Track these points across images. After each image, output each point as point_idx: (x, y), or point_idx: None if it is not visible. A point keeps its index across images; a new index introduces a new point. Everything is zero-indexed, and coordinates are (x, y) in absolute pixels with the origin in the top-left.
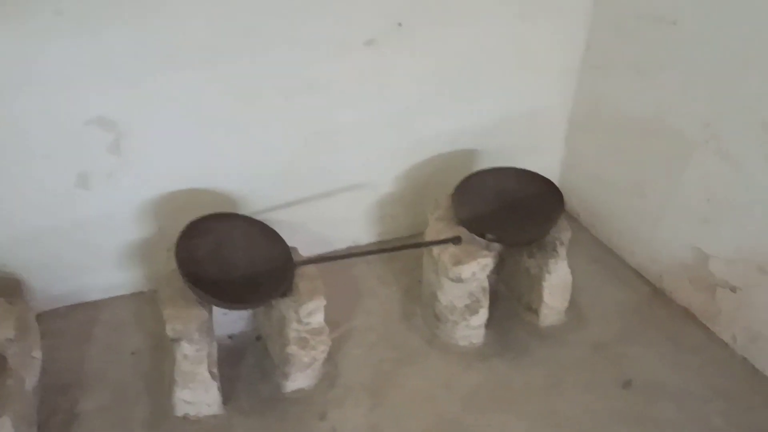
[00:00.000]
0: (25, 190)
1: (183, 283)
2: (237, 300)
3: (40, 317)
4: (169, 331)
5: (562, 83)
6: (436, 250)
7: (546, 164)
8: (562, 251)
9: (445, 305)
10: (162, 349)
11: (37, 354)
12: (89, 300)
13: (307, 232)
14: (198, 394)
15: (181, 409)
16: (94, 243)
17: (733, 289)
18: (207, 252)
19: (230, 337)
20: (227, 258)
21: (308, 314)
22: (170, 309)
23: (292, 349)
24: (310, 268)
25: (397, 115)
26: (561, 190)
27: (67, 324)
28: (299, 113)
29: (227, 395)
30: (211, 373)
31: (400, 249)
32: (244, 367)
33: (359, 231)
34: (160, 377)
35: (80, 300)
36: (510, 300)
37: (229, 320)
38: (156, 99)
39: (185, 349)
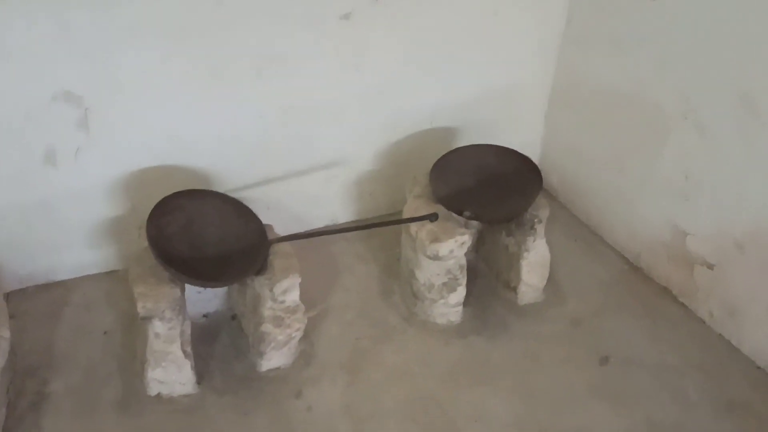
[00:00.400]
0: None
1: (154, 261)
2: (209, 278)
3: (8, 297)
4: (140, 309)
5: (541, 59)
6: (413, 227)
7: (525, 141)
8: (540, 229)
9: (422, 283)
10: (134, 329)
11: (5, 333)
12: (59, 279)
13: (284, 210)
14: (171, 373)
15: (154, 389)
16: (63, 221)
17: (710, 266)
18: (179, 229)
19: (205, 316)
20: (200, 235)
21: (283, 292)
22: (141, 287)
23: (267, 327)
24: (285, 246)
25: (374, 90)
26: (540, 167)
27: (36, 304)
28: (272, 88)
29: (201, 374)
30: (184, 351)
31: (377, 226)
32: (219, 347)
33: (337, 209)
34: (132, 357)
35: (50, 279)
36: (488, 277)
37: (204, 299)
38: (124, 74)
39: (157, 327)
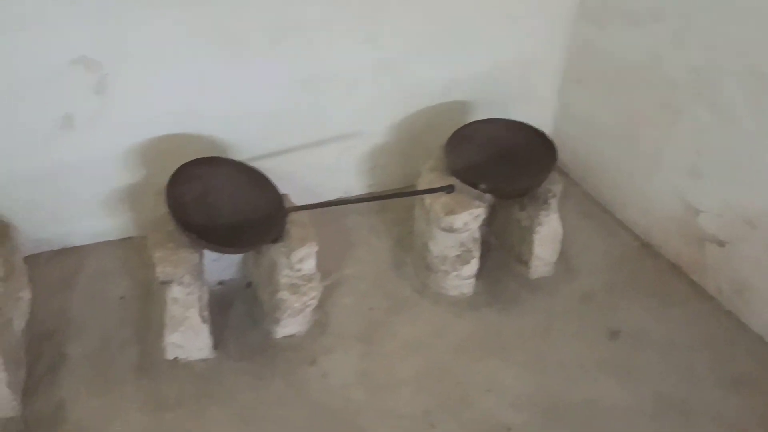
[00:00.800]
0: (11, 132)
1: (173, 228)
2: (228, 244)
3: (26, 261)
4: (160, 273)
5: (555, 32)
6: (428, 199)
7: (538, 116)
8: (553, 203)
9: (436, 255)
10: (150, 296)
11: (25, 294)
12: (75, 245)
13: (297, 181)
14: (188, 337)
15: (171, 353)
16: (79, 187)
17: (721, 243)
18: (197, 196)
19: (220, 283)
20: (218, 202)
21: (300, 260)
22: (160, 252)
23: (283, 294)
24: (302, 215)
25: (388, 62)
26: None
27: (52, 269)
28: (287, 58)
29: (217, 341)
30: (201, 317)
31: (393, 197)
32: (234, 314)
33: (350, 182)
34: (148, 323)
35: (66, 245)
36: (500, 251)
37: (220, 267)
38: (140, 40)
39: (175, 292)
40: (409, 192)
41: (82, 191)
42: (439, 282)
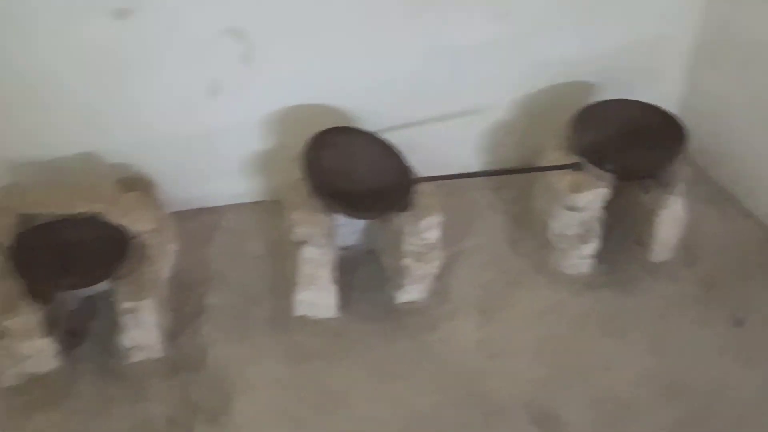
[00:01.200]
0: (162, 97)
1: (308, 192)
2: (360, 209)
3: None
4: (295, 234)
5: (687, 8)
6: (553, 176)
7: (664, 97)
8: (679, 187)
9: (556, 233)
10: (283, 256)
11: (173, 246)
12: (213, 205)
13: (418, 154)
14: (318, 296)
15: (300, 310)
16: (221, 151)
17: None
18: (332, 163)
19: (344, 249)
20: (351, 170)
21: (426, 229)
22: (297, 214)
23: (407, 261)
24: (428, 186)
25: (517, 38)
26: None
27: (193, 226)
28: (421, 31)
29: (343, 302)
30: (331, 277)
31: (522, 172)
32: (358, 278)
33: (469, 157)
34: (281, 281)
35: (204, 205)
36: (621, 233)
37: (344, 233)
38: (286, 11)
39: (309, 252)
40: (536, 168)
41: (223, 155)
42: (558, 260)
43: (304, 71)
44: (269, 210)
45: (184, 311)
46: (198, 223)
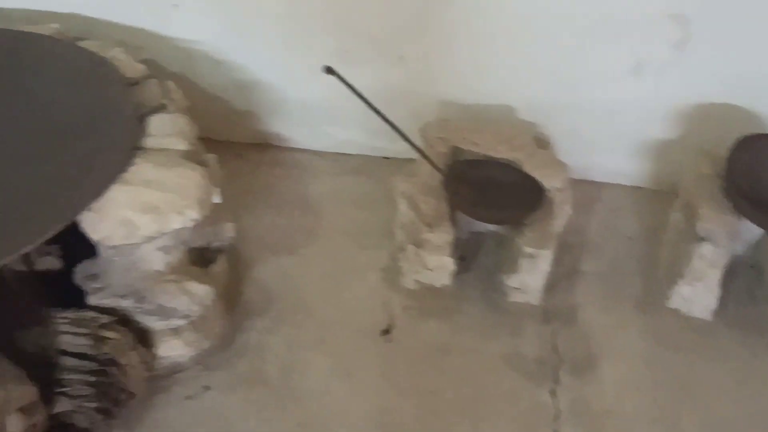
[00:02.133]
0: (587, 68)
1: (720, 191)
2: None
3: None
4: (700, 229)
5: None
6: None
7: None
8: None
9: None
10: (656, 241)
11: (568, 208)
12: (592, 180)
13: None
14: (700, 294)
15: (674, 302)
16: (619, 128)
17: None
18: (746, 167)
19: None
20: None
21: None
22: (706, 209)
23: None
24: None
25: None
26: None
27: (576, 194)
28: None
29: (717, 306)
30: (720, 279)
31: None
32: (735, 287)
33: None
34: (652, 267)
35: (585, 177)
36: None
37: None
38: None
39: (707, 249)
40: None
41: (622, 133)
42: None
43: (733, 66)
44: (647, 197)
45: (560, 269)
46: (580, 192)
